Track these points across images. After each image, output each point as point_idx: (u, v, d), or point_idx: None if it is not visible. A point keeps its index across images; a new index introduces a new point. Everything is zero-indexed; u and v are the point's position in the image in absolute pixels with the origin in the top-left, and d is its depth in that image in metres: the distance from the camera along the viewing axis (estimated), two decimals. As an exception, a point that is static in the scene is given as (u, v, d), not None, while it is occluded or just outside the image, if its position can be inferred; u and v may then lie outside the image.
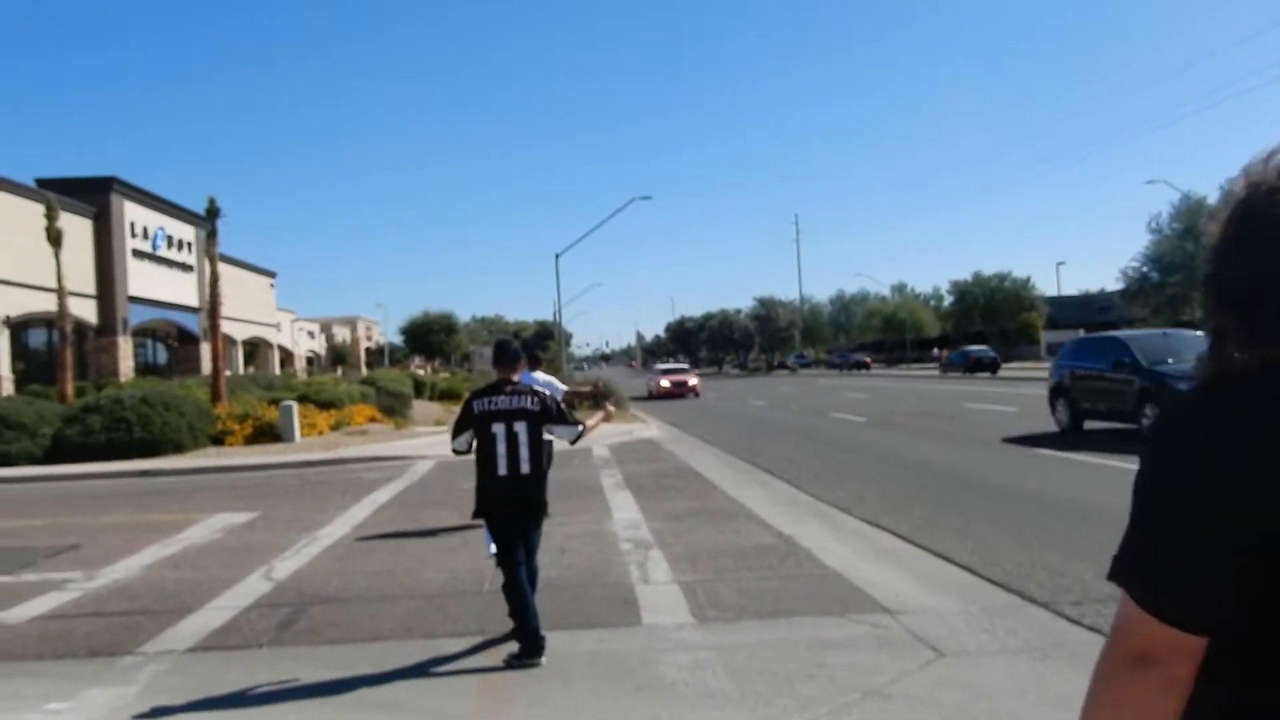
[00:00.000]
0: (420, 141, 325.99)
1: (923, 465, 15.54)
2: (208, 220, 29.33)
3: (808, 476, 14.70)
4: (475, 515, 6.25)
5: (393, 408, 30.22)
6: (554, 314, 56.71)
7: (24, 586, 9.07)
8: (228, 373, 56.37)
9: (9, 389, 35.88)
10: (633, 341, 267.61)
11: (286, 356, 79.68)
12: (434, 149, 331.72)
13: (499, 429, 6.14)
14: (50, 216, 28.68)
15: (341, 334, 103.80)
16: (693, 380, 43.72)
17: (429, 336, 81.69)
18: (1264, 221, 1.10)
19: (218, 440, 23.34)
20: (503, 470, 6.12)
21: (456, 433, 6.33)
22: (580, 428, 6.44)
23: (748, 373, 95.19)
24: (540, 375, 10.60)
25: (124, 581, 9.27)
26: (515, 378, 6.41)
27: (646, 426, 26.72)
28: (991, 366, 62.44)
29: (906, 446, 18.55)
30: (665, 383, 43.44)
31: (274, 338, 67.08)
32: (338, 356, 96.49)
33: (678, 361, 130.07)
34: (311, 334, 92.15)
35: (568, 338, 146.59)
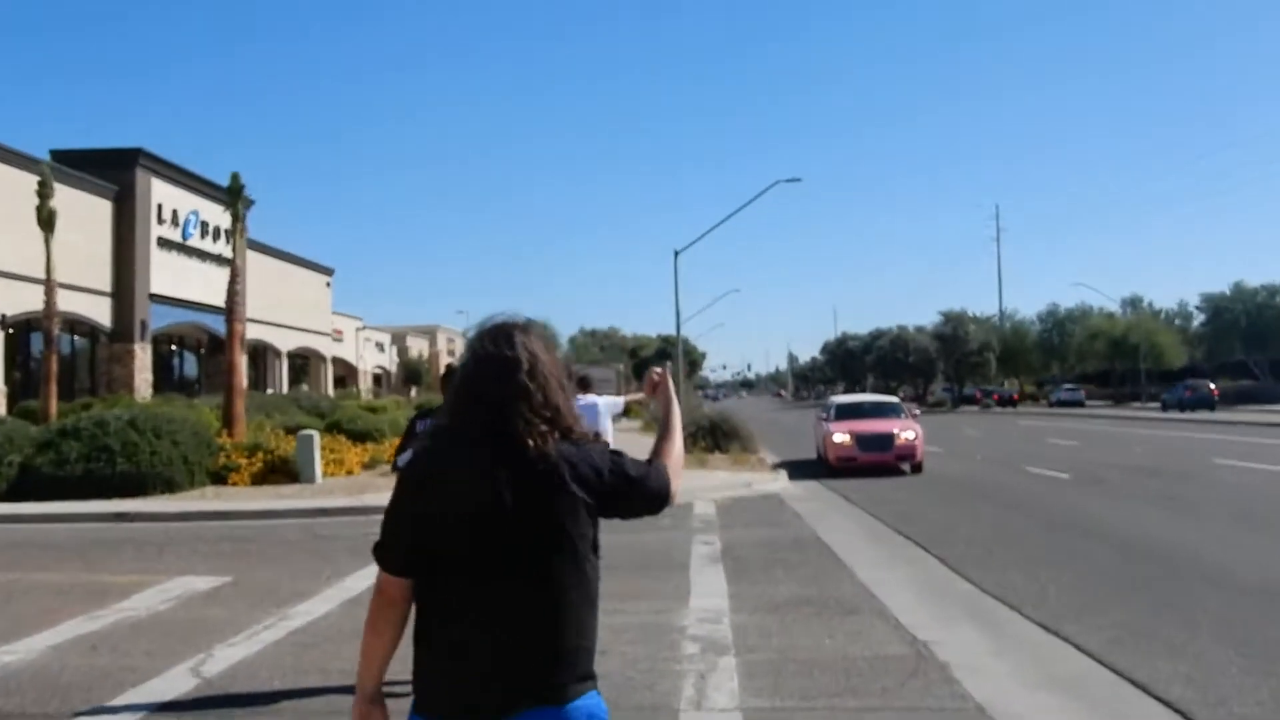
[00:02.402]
0: (520, 118, 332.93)
1: (1138, 544, 14.92)
2: (231, 199, 29.60)
3: (975, 555, 14.34)
4: None
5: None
6: (675, 326, 56.07)
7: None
8: (270, 391, 58.04)
9: (0, 405, 37.04)
10: (783, 364, 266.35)
11: (348, 372, 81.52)
12: (536, 126, 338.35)
13: None
14: (43, 193, 29.37)
15: (418, 347, 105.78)
16: (909, 435, 27.29)
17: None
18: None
19: (220, 477, 23.42)
20: None
21: None
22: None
23: (925, 407, 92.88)
24: (586, 398, 13.65)
25: (10, 668, 8.83)
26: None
27: (773, 477, 25.86)
28: (1206, 403, 63.16)
29: (1120, 516, 18.04)
30: (843, 438, 27.52)
31: (330, 349, 68.46)
32: (411, 374, 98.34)
33: (858, 390, 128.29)
34: (381, 346, 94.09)
35: (698, 357, 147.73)
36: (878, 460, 26.95)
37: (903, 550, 15.06)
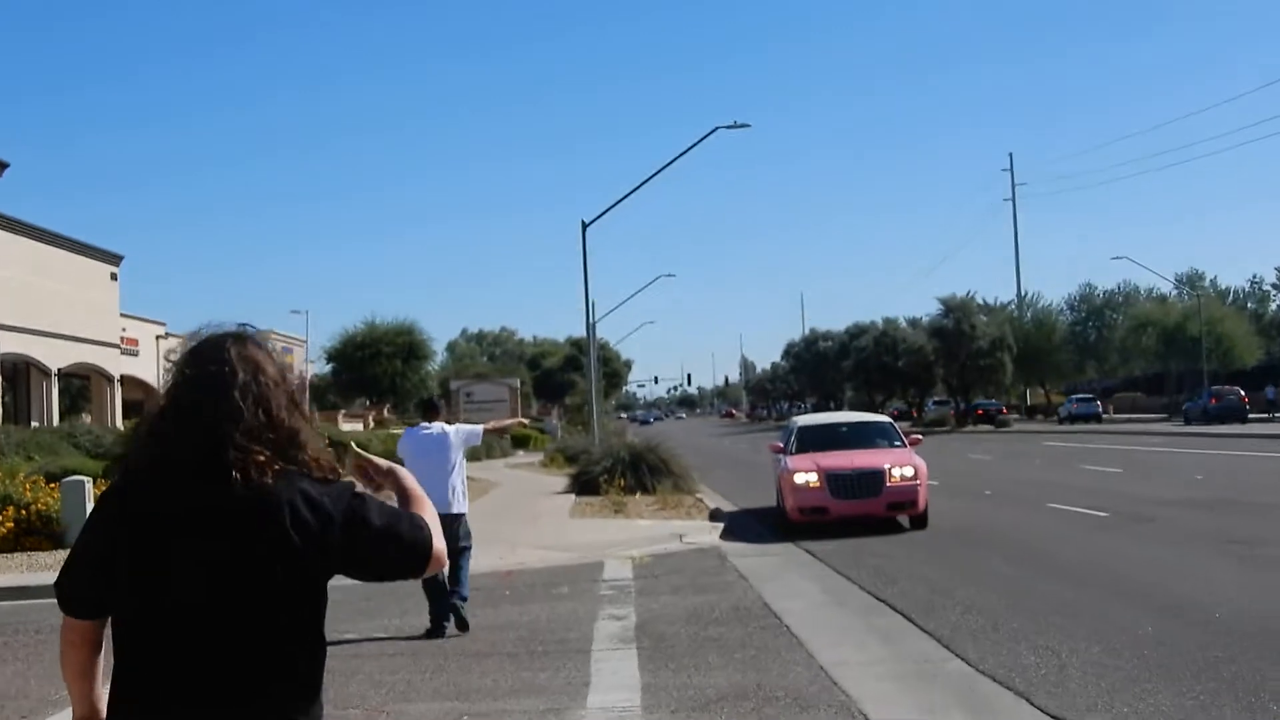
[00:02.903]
0: (383, 89, 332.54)
1: (1196, 607, 15.01)
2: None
3: (975, 626, 14.46)
4: None
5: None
6: (585, 323, 55.90)
7: None
8: (35, 424, 56.76)
9: None
10: (734, 374, 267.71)
11: (148, 395, 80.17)
12: (400, 98, 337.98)
13: None
14: None
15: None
16: (907, 472, 24.72)
17: (373, 365, 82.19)
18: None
19: (-48, 542, 22.82)
20: None
21: None
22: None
23: (921, 427, 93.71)
24: (433, 426, 15.41)
25: None
26: None
27: (709, 528, 25.96)
28: (1236, 414, 67.75)
29: (1173, 568, 18.32)
30: (807, 478, 24.98)
31: (119, 365, 67.47)
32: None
33: (832, 407, 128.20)
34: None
35: (619, 365, 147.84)
36: (860, 512, 24.19)
37: (880, 621, 15.13)
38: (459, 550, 14.98)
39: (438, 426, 15.43)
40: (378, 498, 3.67)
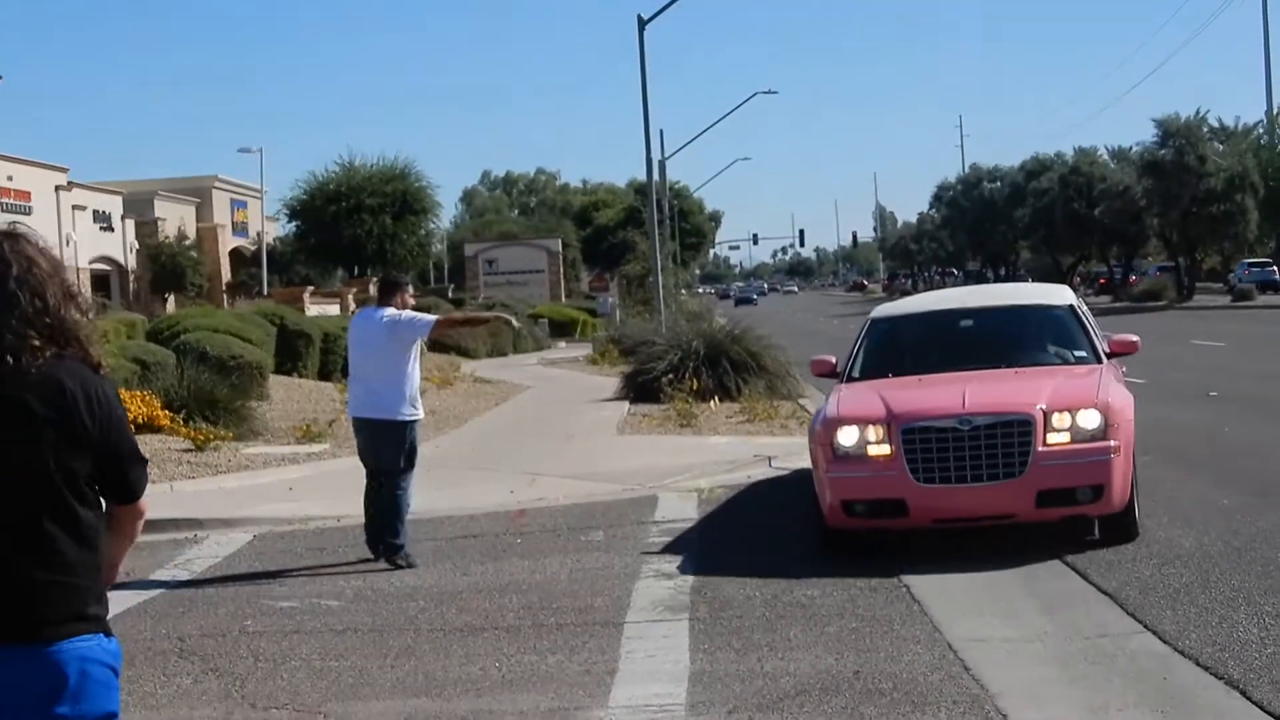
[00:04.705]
0: None
1: None
2: None
3: (1176, 582, 14.32)
4: None
5: (214, 398, 29.93)
6: (646, 158, 55.71)
7: None
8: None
9: None
10: (865, 231, 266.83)
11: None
12: None
13: None
14: None
15: (175, 219, 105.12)
16: (1090, 422, 17.18)
17: (353, 223, 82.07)
18: None
19: None
20: None
21: None
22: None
23: (1127, 299, 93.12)
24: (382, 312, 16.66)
25: None
26: None
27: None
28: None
29: None
30: (852, 436, 17.49)
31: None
32: (165, 269, 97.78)
33: (999, 272, 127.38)
34: (107, 220, 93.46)
35: (699, 219, 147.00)
36: (978, 509, 17.00)
37: (1039, 577, 15.03)
38: (398, 470, 16.64)
39: (388, 312, 16.59)
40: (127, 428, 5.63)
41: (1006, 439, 16.35)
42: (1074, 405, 16.65)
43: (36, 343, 5.04)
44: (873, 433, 16.82)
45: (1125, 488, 16.46)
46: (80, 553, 5.39)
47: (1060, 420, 16.57)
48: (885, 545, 17.02)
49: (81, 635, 5.34)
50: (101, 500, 5.49)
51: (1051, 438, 16.46)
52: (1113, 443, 16.43)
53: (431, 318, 17.18)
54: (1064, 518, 16.84)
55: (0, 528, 5.27)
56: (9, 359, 5.16)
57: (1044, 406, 16.51)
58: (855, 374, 19.31)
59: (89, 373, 5.26)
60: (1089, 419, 16.53)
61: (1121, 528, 16.64)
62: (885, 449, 16.74)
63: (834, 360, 20.51)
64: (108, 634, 5.52)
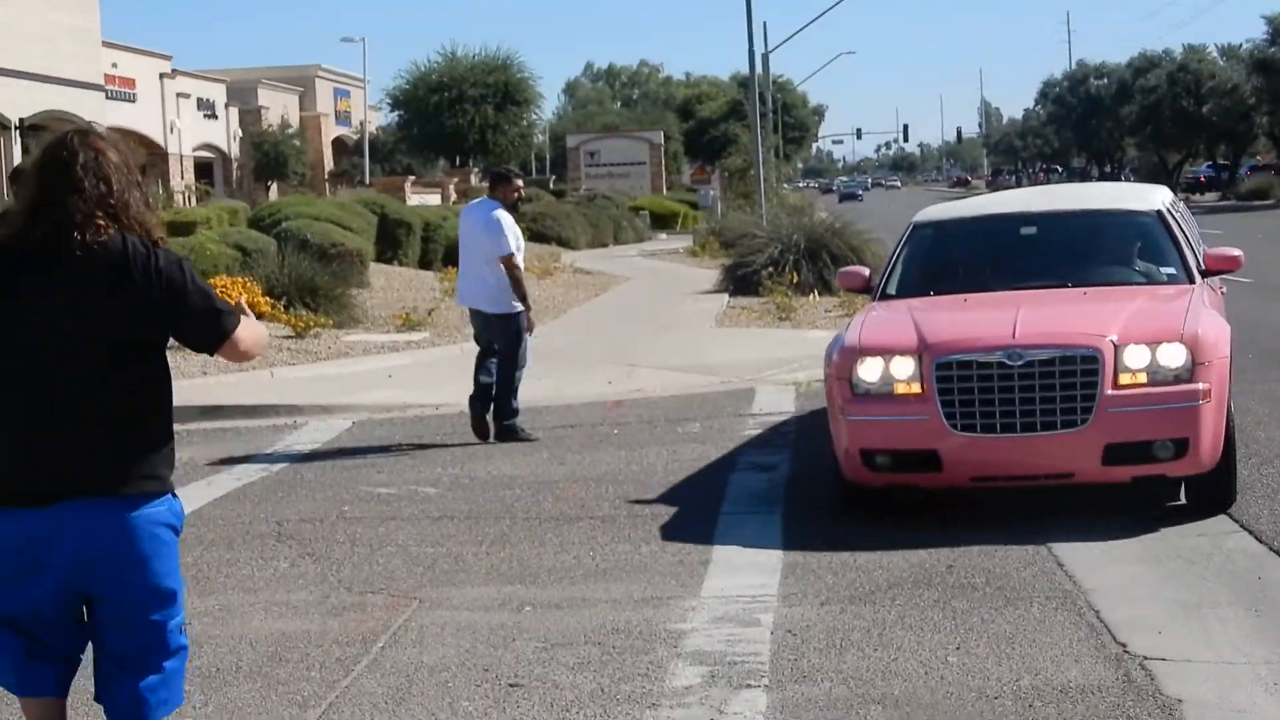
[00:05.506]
0: None
1: None
2: None
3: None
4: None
5: (315, 285, 29.99)
6: (749, 50, 55.39)
7: None
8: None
9: None
10: (970, 127, 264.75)
11: (150, 157, 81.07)
12: None
13: None
14: None
15: (279, 108, 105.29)
16: (1174, 359, 13.68)
17: (455, 114, 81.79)
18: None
19: None
20: None
21: None
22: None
23: (1233, 198, 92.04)
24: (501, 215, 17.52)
25: None
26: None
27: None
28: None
29: None
30: (875, 371, 14.22)
31: (106, 113, 68.21)
32: (268, 158, 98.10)
33: (1104, 169, 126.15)
34: (210, 108, 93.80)
35: (803, 113, 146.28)
36: (1028, 465, 13.77)
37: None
38: (505, 354, 17.49)
39: (489, 211, 17.46)
40: (205, 282, 6.48)
41: (1067, 378, 13.25)
42: (1154, 337, 13.50)
43: (101, 221, 5.86)
44: (900, 366, 13.66)
45: (1217, 442, 13.25)
46: (148, 416, 6.25)
47: (1135, 356, 13.38)
48: (921, 503, 13.97)
49: (150, 493, 6.17)
50: (166, 366, 6.32)
51: (1124, 378, 13.31)
52: (1201, 385, 13.29)
53: (511, 250, 17.39)
54: (1138, 479, 13.56)
55: (73, 393, 6.12)
56: (77, 235, 5.99)
57: (1115, 338, 13.36)
58: (890, 290, 16.23)
59: (148, 246, 6.00)
60: (1172, 355, 13.38)
61: (1214, 492, 13.55)
62: (915, 387, 13.64)
63: (866, 273, 17.71)
64: (173, 494, 6.36)
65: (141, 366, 6.24)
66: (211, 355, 6.86)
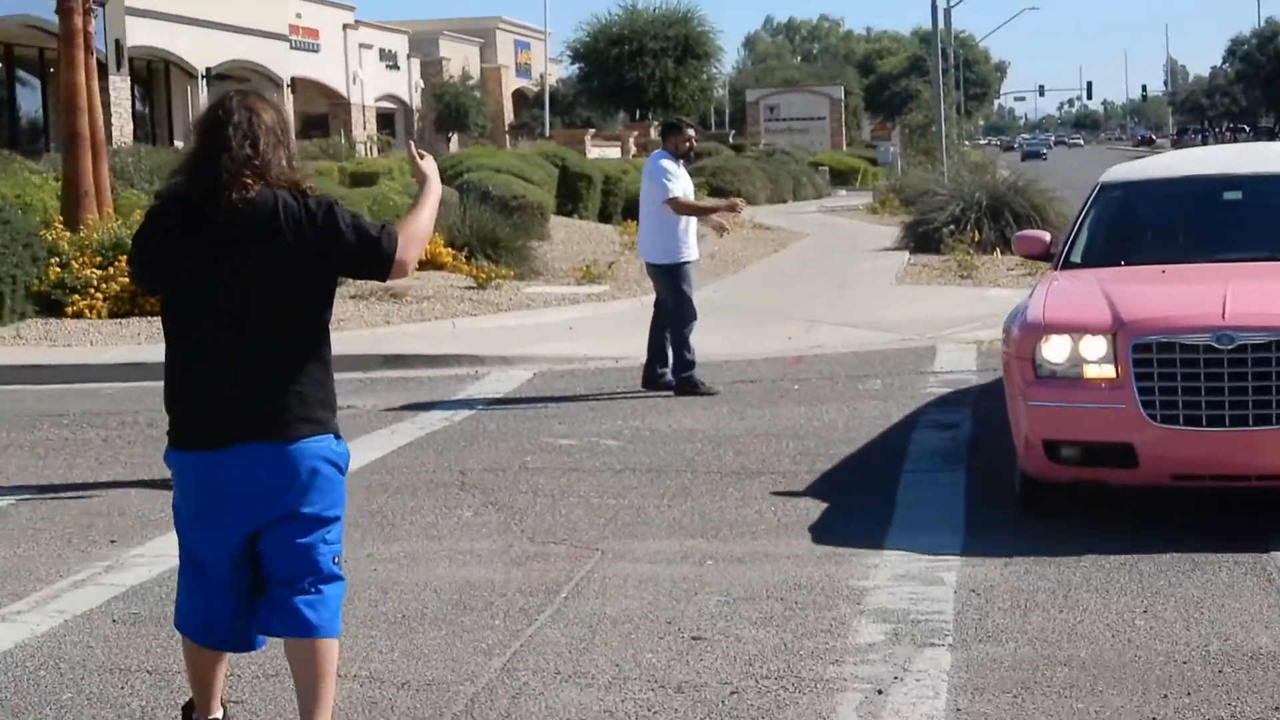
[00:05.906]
0: None
1: None
2: None
3: None
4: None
5: (496, 237, 30.22)
6: (933, 12, 55.12)
7: None
8: (178, 144, 57.47)
9: None
10: (1156, 85, 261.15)
11: (333, 108, 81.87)
12: None
13: None
14: None
15: (460, 59, 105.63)
16: None
17: (635, 67, 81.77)
18: None
19: (52, 305, 23.89)
20: None
21: None
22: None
23: None
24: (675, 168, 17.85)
25: None
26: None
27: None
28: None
29: None
30: (1062, 351, 12.67)
31: (292, 65, 69.02)
32: (449, 110, 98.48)
33: None
34: (393, 59, 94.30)
35: (984, 70, 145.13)
36: (1238, 465, 12.13)
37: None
38: (670, 308, 17.47)
39: (657, 160, 17.80)
40: (364, 216, 7.08)
41: None
42: None
43: (248, 179, 6.32)
44: (1091, 346, 12.16)
45: None
46: (308, 361, 6.72)
47: None
48: (1092, 510, 12.34)
49: (314, 435, 6.62)
50: (327, 311, 6.76)
51: None
52: None
53: (673, 194, 17.46)
54: None
55: (238, 340, 6.60)
56: (226, 191, 6.48)
57: None
58: (1075, 259, 14.68)
59: (298, 196, 6.46)
60: None
61: None
62: (1108, 370, 12.14)
63: (1047, 237, 15.80)
64: (337, 435, 6.81)
65: (300, 317, 6.70)
66: (383, 281, 7.66)
